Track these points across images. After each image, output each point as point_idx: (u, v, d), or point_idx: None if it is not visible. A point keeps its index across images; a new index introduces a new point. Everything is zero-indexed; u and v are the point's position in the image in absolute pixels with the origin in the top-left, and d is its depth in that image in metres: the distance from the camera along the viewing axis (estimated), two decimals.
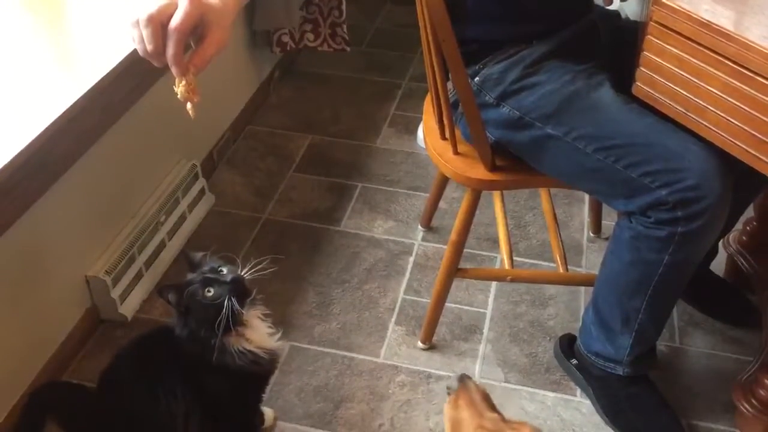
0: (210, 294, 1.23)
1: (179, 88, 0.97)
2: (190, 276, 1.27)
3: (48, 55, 1.51)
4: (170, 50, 0.91)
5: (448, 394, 1.10)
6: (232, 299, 1.23)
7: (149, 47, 0.92)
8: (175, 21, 0.90)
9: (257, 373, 1.34)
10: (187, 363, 1.28)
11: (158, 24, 0.91)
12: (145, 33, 0.92)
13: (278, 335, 1.36)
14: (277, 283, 1.85)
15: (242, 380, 1.32)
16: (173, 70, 0.95)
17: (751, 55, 1.05)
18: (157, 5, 0.91)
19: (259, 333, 1.32)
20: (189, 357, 1.28)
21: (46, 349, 1.59)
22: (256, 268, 1.28)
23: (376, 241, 2.00)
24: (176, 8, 0.90)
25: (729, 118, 1.12)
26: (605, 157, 1.29)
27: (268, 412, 1.53)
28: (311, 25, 2.44)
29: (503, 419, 1.03)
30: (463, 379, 1.09)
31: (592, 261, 1.94)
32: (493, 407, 1.06)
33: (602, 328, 1.49)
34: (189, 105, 1.00)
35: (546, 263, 1.94)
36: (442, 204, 2.01)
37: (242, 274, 1.27)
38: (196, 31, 0.94)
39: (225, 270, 1.27)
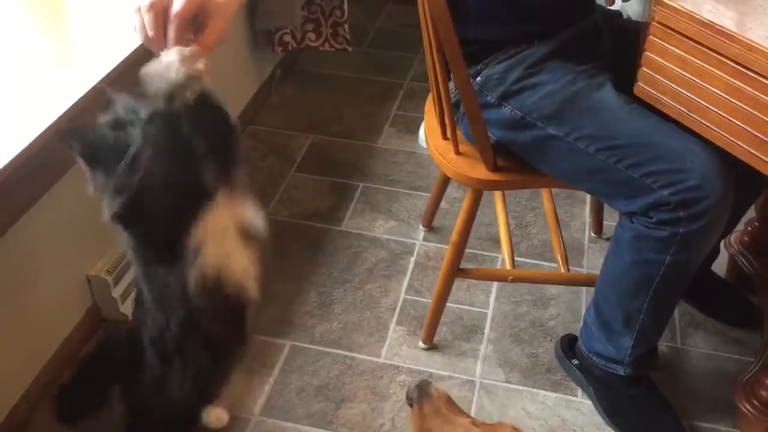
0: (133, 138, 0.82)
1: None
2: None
3: (49, 55, 1.51)
4: (170, 34, 0.92)
5: (410, 405, 1.05)
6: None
7: (150, 33, 0.93)
8: (176, 7, 0.91)
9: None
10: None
11: (160, 10, 0.91)
12: (147, 18, 0.92)
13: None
14: (278, 282, 1.85)
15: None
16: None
17: (754, 55, 1.05)
18: None
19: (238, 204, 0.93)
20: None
21: (47, 348, 1.59)
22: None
23: (377, 241, 2.00)
24: None
25: (731, 119, 1.12)
26: (607, 157, 1.29)
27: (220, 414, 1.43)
28: (313, 25, 2.44)
29: (474, 422, 0.99)
30: (423, 386, 1.04)
31: (593, 261, 1.94)
32: (460, 411, 1.02)
33: (603, 329, 1.49)
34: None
35: (547, 263, 1.94)
36: (443, 204, 2.01)
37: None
38: (196, 20, 0.93)
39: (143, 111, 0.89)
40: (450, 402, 1.03)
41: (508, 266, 1.68)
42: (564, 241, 1.73)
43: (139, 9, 0.93)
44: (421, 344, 1.72)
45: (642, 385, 1.53)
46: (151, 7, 0.91)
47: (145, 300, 1.05)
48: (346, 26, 2.45)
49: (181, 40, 0.93)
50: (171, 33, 0.92)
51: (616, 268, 1.42)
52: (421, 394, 1.03)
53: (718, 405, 1.59)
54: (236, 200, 0.94)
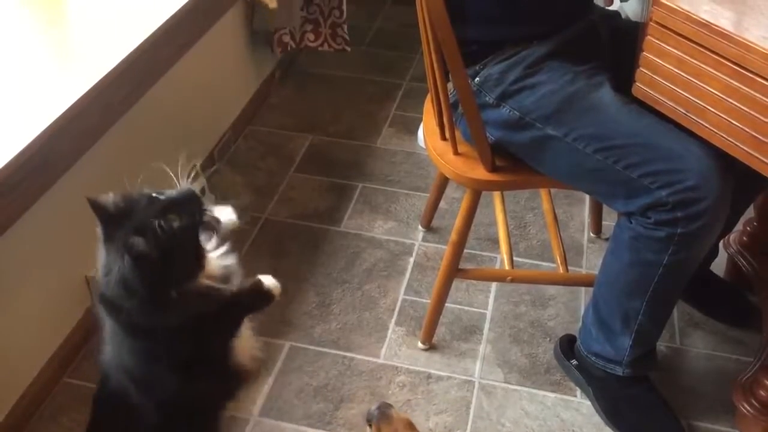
0: (177, 223, 0.97)
1: None
2: (123, 216, 0.98)
3: (48, 55, 1.51)
4: None
5: (369, 425, 1.07)
6: (206, 217, 0.99)
7: None
8: None
9: (220, 308, 1.09)
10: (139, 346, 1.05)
11: None
12: None
13: (229, 252, 1.12)
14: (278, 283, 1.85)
15: (209, 323, 1.08)
16: None
17: (751, 55, 1.05)
18: None
19: (213, 257, 1.07)
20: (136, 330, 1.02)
21: (46, 348, 1.59)
22: (193, 173, 1.05)
23: (376, 242, 2.00)
24: None
25: (729, 119, 1.12)
26: (605, 157, 1.29)
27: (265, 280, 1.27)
28: (312, 25, 2.44)
29: None
30: (384, 408, 1.07)
31: (592, 261, 1.94)
32: None
33: (602, 329, 1.49)
34: None
35: (546, 263, 1.94)
36: (442, 204, 2.01)
37: (188, 186, 1.03)
38: None
39: (163, 194, 1.01)
40: (410, 426, 1.05)
41: (507, 266, 1.68)
42: (563, 242, 1.73)
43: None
44: (420, 344, 1.72)
45: (641, 386, 1.54)
46: None
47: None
48: (345, 26, 2.45)
49: None
50: None
51: (615, 269, 1.42)
52: (381, 416, 1.05)
53: (716, 405, 1.59)
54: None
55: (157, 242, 0.97)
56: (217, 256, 1.10)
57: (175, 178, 1.05)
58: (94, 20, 1.61)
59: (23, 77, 1.43)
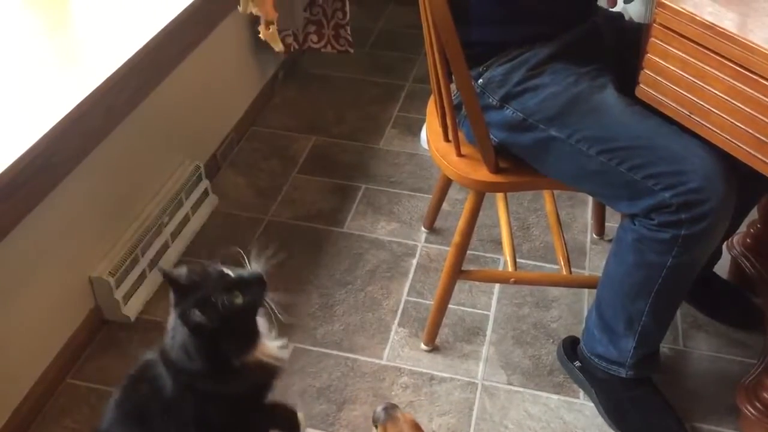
0: (239, 300, 1.06)
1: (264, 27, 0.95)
2: (195, 288, 1.08)
3: (52, 56, 1.51)
4: None
5: (375, 426, 1.08)
6: (266, 300, 1.07)
7: None
8: None
9: (263, 385, 1.20)
10: (186, 400, 1.13)
11: None
12: None
13: (280, 338, 1.21)
14: (279, 284, 1.85)
15: (248, 398, 1.19)
16: None
17: (755, 57, 1.05)
18: None
19: (267, 339, 1.17)
20: (190, 392, 1.11)
21: (49, 349, 1.60)
22: (267, 257, 1.13)
23: (379, 243, 2.00)
24: None
25: (733, 121, 1.12)
26: (608, 159, 1.29)
27: (300, 416, 1.40)
28: (315, 27, 2.45)
29: None
30: (390, 409, 1.07)
31: (595, 263, 1.94)
32: None
33: (605, 331, 1.49)
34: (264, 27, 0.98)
35: (549, 265, 1.94)
36: (445, 206, 2.01)
37: (259, 269, 1.12)
38: None
39: (233, 272, 1.10)
40: (416, 427, 1.05)
41: (510, 268, 1.68)
42: (566, 243, 1.73)
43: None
44: (423, 346, 1.72)
45: (644, 387, 1.53)
46: None
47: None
48: (348, 28, 2.45)
49: None
50: None
51: (618, 270, 1.42)
52: (387, 417, 1.06)
53: (720, 407, 1.59)
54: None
55: (216, 316, 1.05)
56: (269, 340, 1.19)
57: (246, 261, 1.13)
58: (97, 22, 1.62)
59: (27, 79, 1.43)
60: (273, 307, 1.11)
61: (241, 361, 1.11)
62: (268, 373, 1.18)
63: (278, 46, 1.04)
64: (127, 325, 1.74)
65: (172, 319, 1.12)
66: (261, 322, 1.17)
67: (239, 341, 1.10)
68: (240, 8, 0.98)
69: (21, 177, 1.32)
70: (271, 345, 1.18)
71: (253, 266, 1.14)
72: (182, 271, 1.09)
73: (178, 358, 1.11)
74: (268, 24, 1.01)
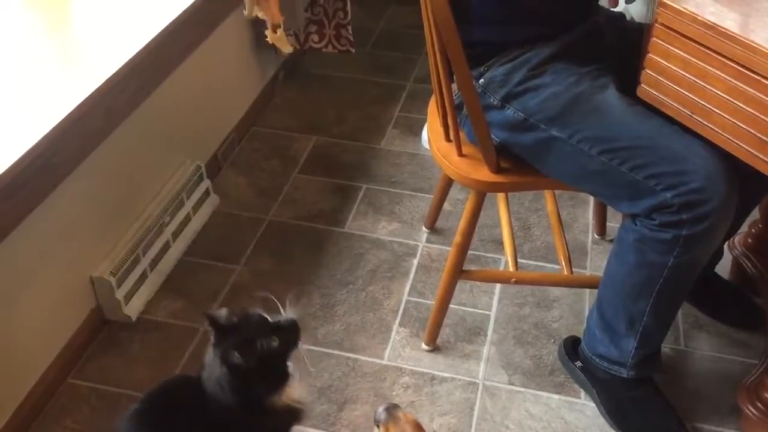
0: (275, 344, 1.15)
1: (271, 30, 0.95)
2: (231, 332, 1.16)
3: (53, 56, 1.51)
4: None
5: (377, 426, 1.08)
6: (298, 346, 1.17)
7: None
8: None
9: (287, 426, 1.28)
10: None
11: None
12: None
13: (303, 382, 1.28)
14: (280, 284, 1.85)
15: None
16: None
17: (757, 57, 1.05)
18: None
19: (296, 383, 1.24)
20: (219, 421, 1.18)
21: (50, 349, 1.60)
22: (300, 306, 1.24)
23: (380, 243, 2.00)
24: None
25: (734, 121, 1.12)
26: (610, 159, 1.29)
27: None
28: (316, 27, 2.45)
29: None
30: (391, 409, 1.08)
31: (596, 263, 1.93)
32: None
33: (606, 331, 1.49)
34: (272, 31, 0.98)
35: (550, 265, 1.93)
36: (446, 206, 2.01)
37: (293, 316, 1.21)
38: None
39: (271, 317, 1.19)
40: (417, 427, 1.05)
41: (511, 268, 1.68)
42: (567, 243, 1.73)
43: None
44: (424, 346, 1.72)
45: (645, 388, 1.53)
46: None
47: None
48: (349, 28, 2.45)
49: None
50: None
51: (620, 270, 1.42)
52: (388, 416, 1.06)
53: (721, 407, 1.59)
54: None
55: (253, 357, 1.14)
56: (296, 383, 1.25)
57: (280, 307, 1.22)
58: (98, 22, 1.62)
59: (27, 79, 1.43)
60: (304, 352, 1.21)
61: (271, 400, 1.19)
62: (292, 415, 1.25)
63: (287, 48, 1.04)
64: (129, 325, 1.74)
65: (209, 356, 1.19)
66: (291, 365, 1.24)
67: (272, 382, 1.18)
68: (245, 12, 0.98)
69: (22, 177, 1.32)
70: (297, 388, 1.24)
71: (289, 312, 1.22)
72: (222, 312, 1.18)
73: (213, 391, 1.18)
74: (275, 27, 1.01)
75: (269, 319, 1.19)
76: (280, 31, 1.02)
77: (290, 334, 1.19)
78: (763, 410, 1.45)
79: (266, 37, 1.07)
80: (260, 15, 1.01)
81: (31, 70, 1.45)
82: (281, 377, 1.20)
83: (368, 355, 1.70)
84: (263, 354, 1.15)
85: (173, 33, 1.64)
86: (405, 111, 2.51)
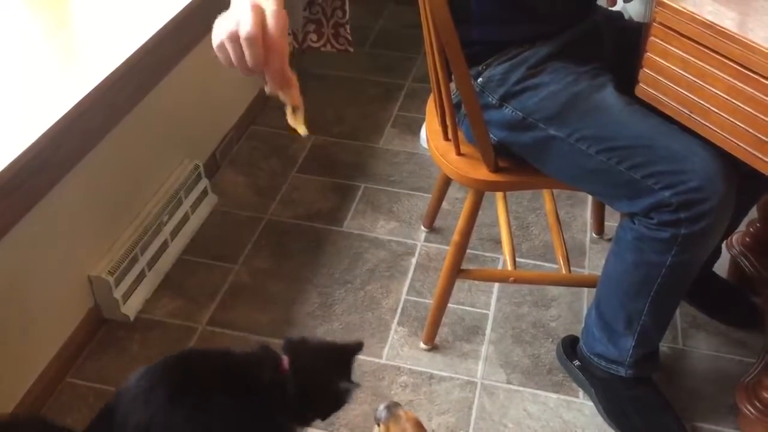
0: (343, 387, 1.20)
1: (290, 112, 1.01)
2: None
3: (52, 54, 1.51)
4: (277, 65, 0.93)
5: (377, 425, 1.08)
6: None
7: (252, 63, 0.91)
8: (273, 31, 0.91)
9: None
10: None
11: (260, 39, 0.91)
12: (250, 52, 0.90)
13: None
14: (279, 283, 1.85)
15: None
16: (279, 83, 0.97)
17: (755, 56, 1.05)
18: (249, 20, 0.89)
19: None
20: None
21: (48, 349, 1.59)
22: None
23: (378, 242, 2.00)
24: (261, 17, 0.89)
25: (733, 120, 1.12)
26: (608, 158, 1.29)
27: None
28: (314, 26, 2.44)
29: None
30: (393, 408, 1.07)
31: (594, 262, 1.94)
32: None
33: (605, 330, 1.49)
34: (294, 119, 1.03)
35: (549, 264, 1.94)
36: (444, 205, 2.01)
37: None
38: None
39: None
40: (418, 426, 1.05)
41: (509, 267, 1.68)
42: (565, 242, 1.73)
43: (231, 38, 0.91)
44: (422, 345, 1.72)
45: (644, 387, 1.53)
46: (254, 40, 0.90)
47: None
48: (348, 27, 2.45)
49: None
50: (277, 64, 0.91)
51: (618, 269, 1.42)
52: (389, 415, 1.06)
53: (719, 406, 1.59)
54: None
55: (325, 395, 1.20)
56: None
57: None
58: (97, 21, 1.62)
59: (26, 77, 1.43)
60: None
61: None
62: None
63: (303, 131, 1.06)
64: (127, 324, 1.74)
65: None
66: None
67: (330, 409, 1.23)
68: (267, 90, 1.00)
69: (20, 175, 1.32)
70: None
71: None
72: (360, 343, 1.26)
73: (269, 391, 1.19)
74: (294, 110, 1.04)
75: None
76: (299, 113, 1.04)
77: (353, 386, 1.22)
78: (760, 409, 1.46)
79: (286, 118, 1.09)
80: (281, 97, 1.03)
81: (29, 69, 1.45)
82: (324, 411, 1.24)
83: (366, 354, 1.70)
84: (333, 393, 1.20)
85: (172, 31, 1.64)
86: (404, 110, 2.51)
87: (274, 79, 0.95)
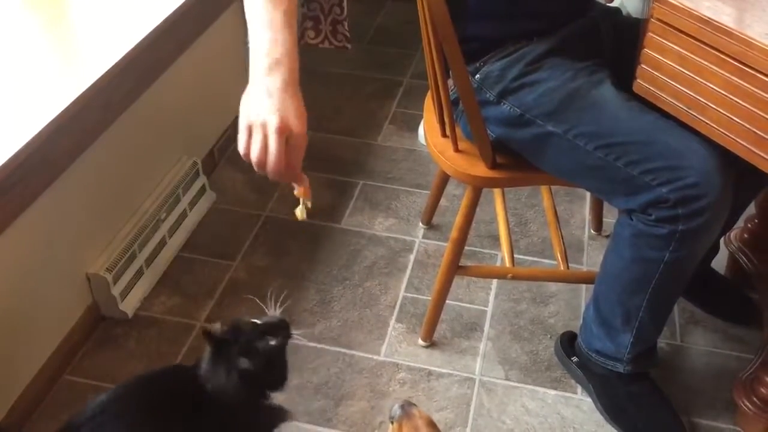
0: (273, 342, 1.21)
1: (301, 207, 1.05)
2: (234, 335, 1.22)
3: (49, 52, 1.51)
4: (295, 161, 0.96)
5: (391, 422, 1.08)
6: (293, 337, 1.24)
7: (275, 157, 0.95)
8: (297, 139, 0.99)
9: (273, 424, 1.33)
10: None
11: (284, 136, 0.95)
12: (275, 145, 0.94)
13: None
14: (277, 280, 1.85)
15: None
16: (294, 180, 1.04)
17: (753, 52, 1.05)
18: (277, 112, 0.92)
19: None
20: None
21: (46, 346, 1.59)
22: (279, 301, 1.29)
23: (377, 239, 2.00)
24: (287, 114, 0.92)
25: (730, 116, 1.12)
26: (606, 154, 1.29)
27: None
28: (312, 22, 2.44)
29: None
30: (407, 407, 1.07)
31: (593, 258, 1.94)
32: None
33: (603, 326, 1.49)
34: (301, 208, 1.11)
35: (547, 261, 1.94)
36: (443, 201, 2.01)
37: (275, 314, 1.28)
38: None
39: (259, 320, 1.25)
40: (431, 425, 1.05)
41: (507, 263, 1.68)
42: (563, 239, 1.73)
43: (259, 127, 0.95)
44: (420, 342, 1.72)
45: (642, 383, 1.54)
46: (281, 132, 0.94)
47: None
48: (346, 23, 2.44)
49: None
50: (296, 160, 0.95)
51: (616, 266, 1.42)
52: (403, 413, 1.06)
53: (717, 402, 1.59)
54: None
55: (258, 360, 1.20)
56: None
57: (265, 308, 1.29)
58: (94, 18, 1.61)
59: (23, 75, 1.43)
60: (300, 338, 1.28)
61: (273, 396, 1.26)
62: (278, 416, 1.31)
63: (302, 216, 1.13)
64: (125, 322, 1.74)
65: (209, 364, 1.23)
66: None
67: (278, 378, 1.27)
68: (296, 191, 1.07)
69: (17, 173, 1.32)
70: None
71: (272, 311, 1.29)
72: (216, 326, 1.23)
73: (216, 390, 1.22)
74: (305, 203, 1.12)
75: (258, 321, 1.24)
76: (307, 202, 1.12)
77: (281, 330, 1.24)
78: (758, 405, 1.46)
79: (296, 213, 1.17)
80: (295, 192, 1.11)
81: (27, 66, 1.45)
82: (285, 372, 1.27)
83: (365, 351, 1.70)
84: (266, 354, 1.21)
85: (169, 29, 1.64)
86: (402, 107, 2.51)
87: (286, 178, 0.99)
